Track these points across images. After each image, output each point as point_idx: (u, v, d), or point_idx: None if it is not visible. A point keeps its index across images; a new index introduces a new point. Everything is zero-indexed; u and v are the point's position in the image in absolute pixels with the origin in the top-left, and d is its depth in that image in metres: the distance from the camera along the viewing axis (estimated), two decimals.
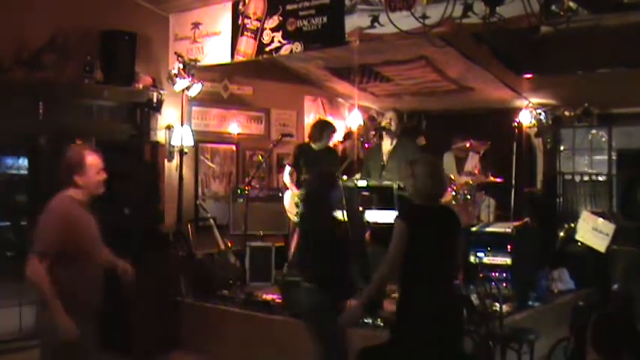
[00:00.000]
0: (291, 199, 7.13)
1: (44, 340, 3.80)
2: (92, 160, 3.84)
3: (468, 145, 7.62)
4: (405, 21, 4.84)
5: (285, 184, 7.28)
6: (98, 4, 7.11)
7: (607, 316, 3.54)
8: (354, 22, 6.02)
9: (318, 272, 4.49)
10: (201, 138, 8.20)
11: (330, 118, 9.52)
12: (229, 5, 7.10)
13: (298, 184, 7.13)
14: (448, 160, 8.13)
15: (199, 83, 7.45)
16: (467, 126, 8.26)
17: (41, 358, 3.84)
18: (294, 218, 7.10)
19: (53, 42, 6.67)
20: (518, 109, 8.64)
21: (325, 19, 6.26)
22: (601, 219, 7.06)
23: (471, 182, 7.28)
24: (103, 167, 3.92)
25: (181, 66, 7.26)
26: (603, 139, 8.77)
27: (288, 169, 7.26)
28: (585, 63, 6.88)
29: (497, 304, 5.19)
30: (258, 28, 6.81)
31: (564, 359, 4.79)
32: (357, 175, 6.69)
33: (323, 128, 7.29)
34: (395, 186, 6.07)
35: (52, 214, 3.73)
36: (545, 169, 9.11)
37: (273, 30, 6.68)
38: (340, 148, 9.12)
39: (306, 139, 7.74)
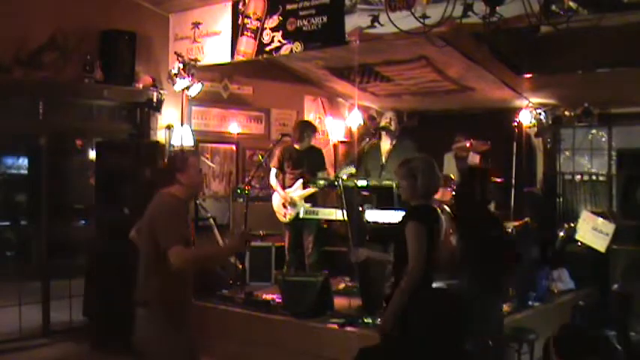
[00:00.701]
0: (279, 200, 7.15)
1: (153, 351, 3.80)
2: (193, 160, 3.99)
3: (468, 145, 7.62)
4: (405, 21, 4.83)
5: (272, 186, 7.29)
6: (98, 4, 7.12)
7: (568, 328, 3.59)
8: (354, 21, 6.02)
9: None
10: (201, 138, 8.19)
11: (329, 118, 9.56)
12: (229, 5, 7.09)
13: (284, 186, 7.19)
14: (448, 160, 8.12)
15: (199, 83, 7.45)
16: (467, 126, 8.25)
17: None
18: (283, 219, 7.14)
19: (53, 42, 6.67)
20: (518, 109, 8.64)
21: (325, 18, 6.26)
22: (601, 219, 7.06)
23: None
24: (201, 169, 4.07)
25: (181, 66, 7.26)
26: (603, 139, 8.76)
27: (273, 171, 7.29)
28: (585, 63, 6.87)
29: None
30: (258, 28, 6.81)
31: None
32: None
33: (303, 129, 7.32)
34: (395, 185, 6.07)
35: (165, 212, 3.79)
36: (545, 169, 9.11)
37: (273, 30, 6.68)
38: (343, 148, 9.16)
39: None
